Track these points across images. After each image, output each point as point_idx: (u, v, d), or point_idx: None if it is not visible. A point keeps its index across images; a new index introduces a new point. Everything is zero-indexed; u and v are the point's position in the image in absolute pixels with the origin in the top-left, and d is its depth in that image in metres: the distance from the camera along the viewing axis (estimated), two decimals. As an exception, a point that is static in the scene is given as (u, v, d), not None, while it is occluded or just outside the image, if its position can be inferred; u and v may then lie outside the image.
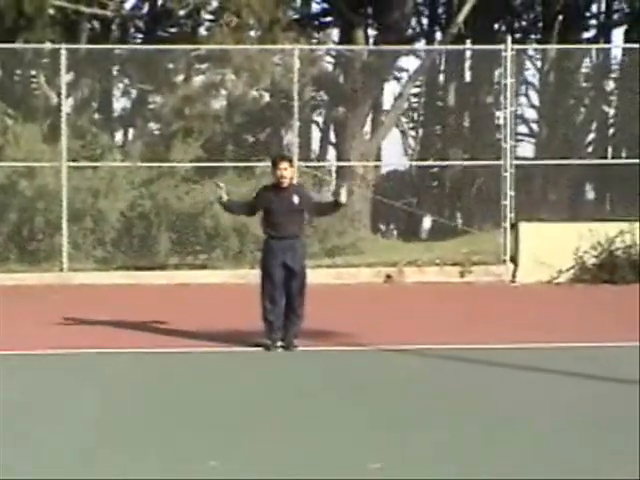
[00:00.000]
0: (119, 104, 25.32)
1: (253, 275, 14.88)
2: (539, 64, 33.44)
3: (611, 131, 31.16)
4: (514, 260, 17.57)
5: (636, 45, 20.67)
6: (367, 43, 26.50)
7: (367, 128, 27.48)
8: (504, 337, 11.76)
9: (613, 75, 31.70)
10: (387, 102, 30.10)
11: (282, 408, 8.46)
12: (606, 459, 6.82)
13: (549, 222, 18.12)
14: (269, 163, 14.31)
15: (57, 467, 6.63)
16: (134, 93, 24.45)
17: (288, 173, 11.20)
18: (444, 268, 17.64)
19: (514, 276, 17.48)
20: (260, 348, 11.02)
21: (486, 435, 7.48)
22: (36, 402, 8.66)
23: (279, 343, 11.05)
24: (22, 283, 16.77)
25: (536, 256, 17.10)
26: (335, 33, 29.95)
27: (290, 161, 11.62)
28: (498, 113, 22.81)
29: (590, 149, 30.83)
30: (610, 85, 31.71)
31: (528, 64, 32.45)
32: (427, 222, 28.41)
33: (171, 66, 23.09)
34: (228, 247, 18.50)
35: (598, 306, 14.92)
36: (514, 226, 17.72)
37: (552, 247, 17.01)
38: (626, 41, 28.02)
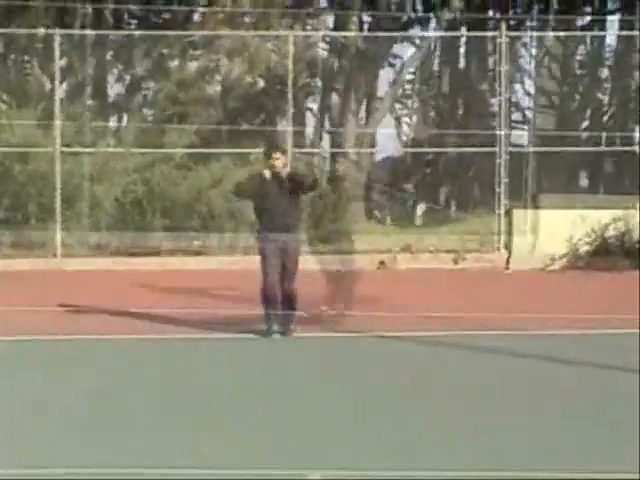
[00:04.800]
0: (113, 90, 25.22)
1: (246, 261, 14.88)
2: (534, 51, 33.38)
3: (605, 119, 31.14)
4: (508, 247, 17.56)
5: (631, 33, 20.61)
6: (362, 30, 26.43)
7: (362, 114, 27.42)
8: (498, 324, 11.74)
9: (608, 63, 31.65)
10: (381, 89, 30.05)
11: (278, 393, 8.46)
12: (604, 448, 6.83)
13: (543, 209, 18.09)
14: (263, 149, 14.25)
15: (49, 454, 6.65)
16: (128, 79, 24.35)
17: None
18: (438, 255, 17.63)
19: (508, 263, 17.47)
20: (257, 335, 11.01)
21: (478, 420, 7.48)
22: (25, 389, 8.65)
23: (276, 328, 10.98)
24: (15, 269, 16.72)
25: (530, 243, 17.11)
26: (330, 19, 29.84)
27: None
28: (492, 100, 22.82)
29: (584, 136, 30.81)
30: (605, 73, 31.67)
31: (522, 51, 32.37)
32: (421, 209, 28.37)
33: (165, 52, 22.99)
34: (222, 234, 18.46)
35: (592, 293, 14.91)
36: (508, 213, 17.72)
37: (546, 234, 17.01)
38: (621, 29, 27.95)
